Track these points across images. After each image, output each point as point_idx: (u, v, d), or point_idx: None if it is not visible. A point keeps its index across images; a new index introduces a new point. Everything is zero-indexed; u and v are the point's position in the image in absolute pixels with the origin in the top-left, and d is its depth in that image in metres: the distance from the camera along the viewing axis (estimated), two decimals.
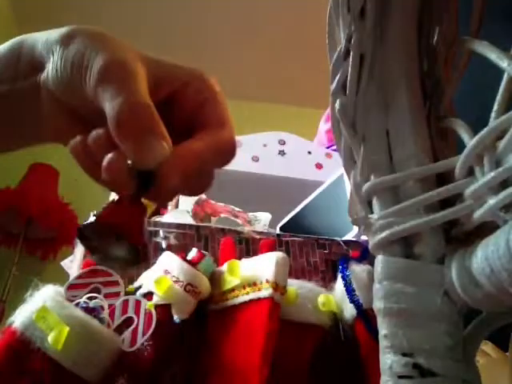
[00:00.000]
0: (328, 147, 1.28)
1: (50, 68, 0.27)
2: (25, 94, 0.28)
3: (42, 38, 0.28)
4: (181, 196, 1.00)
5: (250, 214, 0.77)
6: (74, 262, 0.61)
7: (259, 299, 0.52)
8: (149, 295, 0.53)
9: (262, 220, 0.77)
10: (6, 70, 0.29)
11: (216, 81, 0.29)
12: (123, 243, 0.26)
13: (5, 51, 0.29)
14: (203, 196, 0.79)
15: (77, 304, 0.50)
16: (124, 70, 0.25)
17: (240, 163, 1.14)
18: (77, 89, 0.26)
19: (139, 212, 0.26)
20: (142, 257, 0.26)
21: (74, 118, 0.28)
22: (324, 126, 1.41)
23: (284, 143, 1.20)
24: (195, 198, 0.78)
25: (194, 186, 0.27)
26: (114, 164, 0.24)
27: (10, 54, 0.29)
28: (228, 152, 0.27)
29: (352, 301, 0.56)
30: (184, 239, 0.63)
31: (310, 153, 1.20)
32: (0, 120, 0.29)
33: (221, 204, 0.78)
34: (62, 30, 0.28)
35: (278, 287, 0.52)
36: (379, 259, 0.32)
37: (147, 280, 0.54)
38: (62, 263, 0.71)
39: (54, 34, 0.28)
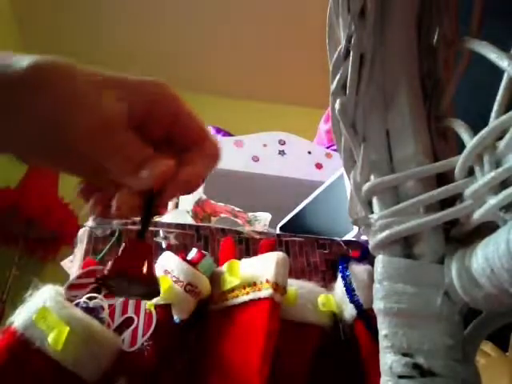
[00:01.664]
0: (328, 147, 1.28)
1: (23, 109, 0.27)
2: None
3: (8, 68, 0.27)
4: (181, 197, 1.00)
5: (250, 214, 0.77)
6: (74, 262, 0.61)
7: (259, 299, 0.52)
8: None
9: (261, 220, 0.77)
10: None
11: (176, 91, 0.31)
12: (139, 284, 0.30)
13: None
14: (203, 196, 0.79)
15: (77, 304, 0.50)
16: (105, 125, 0.27)
17: (240, 163, 1.14)
18: (51, 135, 0.27)
19: (146, 251, 0.31)
20: (158, 288, 0.31)
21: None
22: (324, 126, 1.41)
23: (284, 143, 1.20)
24: (195, 198, 0.78)
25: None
26: (121, 201, 0.28)
27: None
28: (217, 159, 0.31)
29: (352, 301, 0.56)
30: (184, 239, 0.63)
31: (310, 153, 1.20)
32: None
33: (221, 204, 0.78)
34: (26, 64, 0.26)
35: (278, 287, 0.52)
36: (379, 259, 0.32)
37: None
38: (62, 263, 0.71)
39: (19, 64, 0.26)
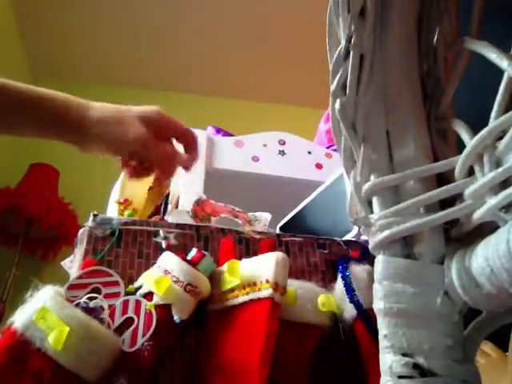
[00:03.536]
0: (328, 147, 1.28)
1: (97, 135, 0.58)
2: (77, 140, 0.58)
3: (87, 115, 0.57)
4: (181, 197, 1.00)
5: (250, 213, 0.77)
6: (73, 262, 0.61)
7: (259, 299, 0.52)
8: (149, 295, 0.53)
9: (261, 220, 0.77)
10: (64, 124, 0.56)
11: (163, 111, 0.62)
12: None
13: (59, 108, 0.56)
14: (203, 196, 0.79)
15: (77, 304, 0.50)
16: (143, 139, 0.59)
17: (240, 163, 1.14)
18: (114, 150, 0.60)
19: None
20: None
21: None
22: (324, 126, 1.41)
23: (284, 143, 1.20)
24: (195, 198, 0.77)
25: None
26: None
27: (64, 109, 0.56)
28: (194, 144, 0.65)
29: (352, 301, 0.56)
30: (184, 239, 0.63)
31: (310, 153, 1.20)
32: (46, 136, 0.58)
33: (221, 204, 0.78)
34: (98, 117, 0.57)
35: (278, 287, 0.52)
36: (379, 259, 0.32)
37: (147, 280, 0.54)
38: (62, 263, 0.71)
39: (93, 114, 0.57)
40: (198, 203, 0.76)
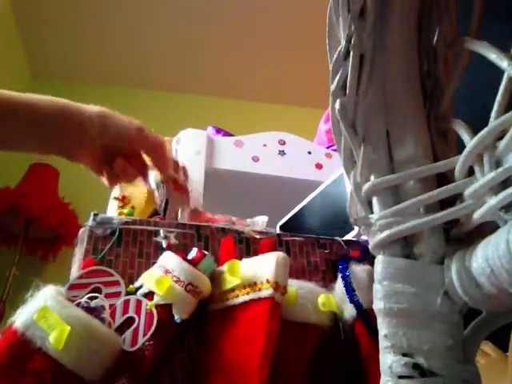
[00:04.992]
0: (328, 147, 1.28)
1: (97, 132, 0.59)
2: (71, 145, 0.60)
3: (86, 111, 0.59)
4: None
5: (248, 220, 0.77)
6: (74, 262, 0.61)
7: (260, 299, 0.52)
8: (149, 295, 0.53)
9: (259, 224, 0.77)
10: (55, 131, 0.58)
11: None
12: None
13: (50, 114, 0.58)
14: (199, 208, 0.79)
15: (78, 304, 0.50)
16: (145, 137, 0.64)
17: (240, 163, 1.14)
18: (113, 143, 0.60)
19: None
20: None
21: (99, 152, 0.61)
22: (324, 126, 1.41)
23: (284, 143, 1.20)
24: (192, 208, 0.78)
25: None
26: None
27: (58, 117, 0.58)
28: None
29: (352, 301, 0.56)
30: (184, 239, 0.63)
31: (310, 153, 1.20)
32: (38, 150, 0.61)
33: (218, 215, 0.78)
34: (99, 111, 0.61)
35: (279, 287, 0.52)
36: (379, 259, 0.32)
37: (148, 280, 0.54)
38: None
39: (93, 110, 0.60)
40: (195, 213, 0.76)
